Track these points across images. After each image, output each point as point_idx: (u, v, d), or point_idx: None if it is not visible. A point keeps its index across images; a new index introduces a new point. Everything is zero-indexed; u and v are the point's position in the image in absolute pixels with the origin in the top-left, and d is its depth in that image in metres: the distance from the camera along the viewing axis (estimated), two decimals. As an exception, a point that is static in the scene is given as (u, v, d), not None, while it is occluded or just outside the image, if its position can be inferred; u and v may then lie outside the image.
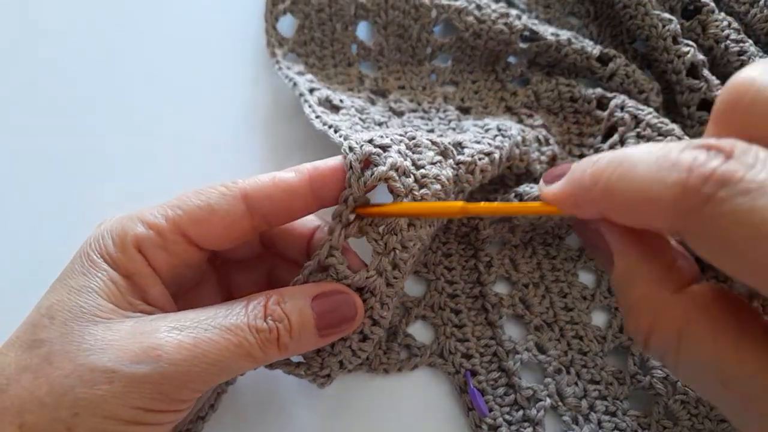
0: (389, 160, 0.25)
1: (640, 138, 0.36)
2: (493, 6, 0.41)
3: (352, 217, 0.25)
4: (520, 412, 0.32)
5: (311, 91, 0.36)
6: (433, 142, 0.29)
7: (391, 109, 0.40)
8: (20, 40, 0.43)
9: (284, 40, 0.40)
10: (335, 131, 0.29)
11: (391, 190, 0.25)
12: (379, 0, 0.41)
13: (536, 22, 0.42)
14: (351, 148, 0.25)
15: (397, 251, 0.26)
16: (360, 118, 0.36)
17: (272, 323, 0.24)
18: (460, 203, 0.24)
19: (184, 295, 0.28)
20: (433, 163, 0.27)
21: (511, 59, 0.43)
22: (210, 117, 0.40)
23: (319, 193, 0.26)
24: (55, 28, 0.43)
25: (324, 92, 0.36)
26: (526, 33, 0.41)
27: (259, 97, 0.41)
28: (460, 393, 0.33)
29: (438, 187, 0.26)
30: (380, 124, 0.37)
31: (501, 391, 0.33)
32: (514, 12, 0.41)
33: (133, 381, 0.21)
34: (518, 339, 0.34)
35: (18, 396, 0.21)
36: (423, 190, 0.26)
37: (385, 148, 0.26)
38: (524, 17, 0.42)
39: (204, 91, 0.41)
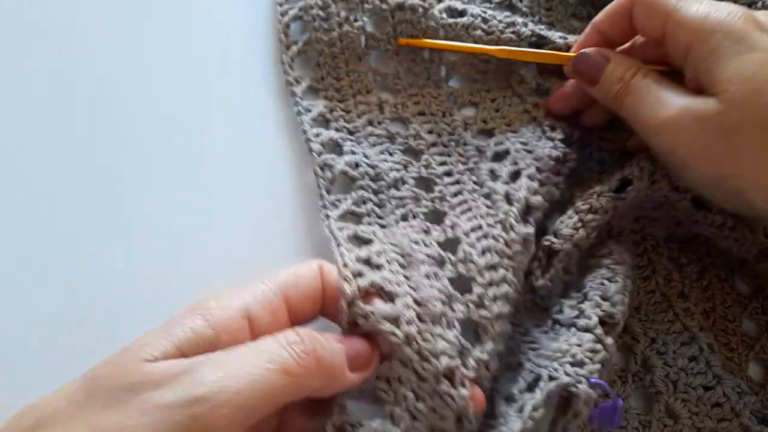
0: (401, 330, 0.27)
1: None
2: (499, 16, 0.42)
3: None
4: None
5: (335, 204, 0.37)
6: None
7: (409, 148, 0.40)
8: (21, 41, 0.42)
9: (301, 78, 0.44)
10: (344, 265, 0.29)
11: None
12: (387, 29, 0.43)
13: (543, 27, 0.43)
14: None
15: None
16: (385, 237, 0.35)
17: (305, 334, 0.24)
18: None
19: None
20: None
21: (522, 71, 0.43)
22: (225, 136, 0.41)
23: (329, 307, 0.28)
24: (55, 34, 0.42)
25: (343, 207, 0.37)
26: (534, 38, 0.42)
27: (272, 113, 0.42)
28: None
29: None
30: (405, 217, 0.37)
31: None
32: (520, 20, 0.42)
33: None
34: (519, 339, 0.35)
35: None
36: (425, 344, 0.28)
37: (392, 296, 0.28)
38: (530, 23, 0.42)
39: (221, 115, 0.42)
